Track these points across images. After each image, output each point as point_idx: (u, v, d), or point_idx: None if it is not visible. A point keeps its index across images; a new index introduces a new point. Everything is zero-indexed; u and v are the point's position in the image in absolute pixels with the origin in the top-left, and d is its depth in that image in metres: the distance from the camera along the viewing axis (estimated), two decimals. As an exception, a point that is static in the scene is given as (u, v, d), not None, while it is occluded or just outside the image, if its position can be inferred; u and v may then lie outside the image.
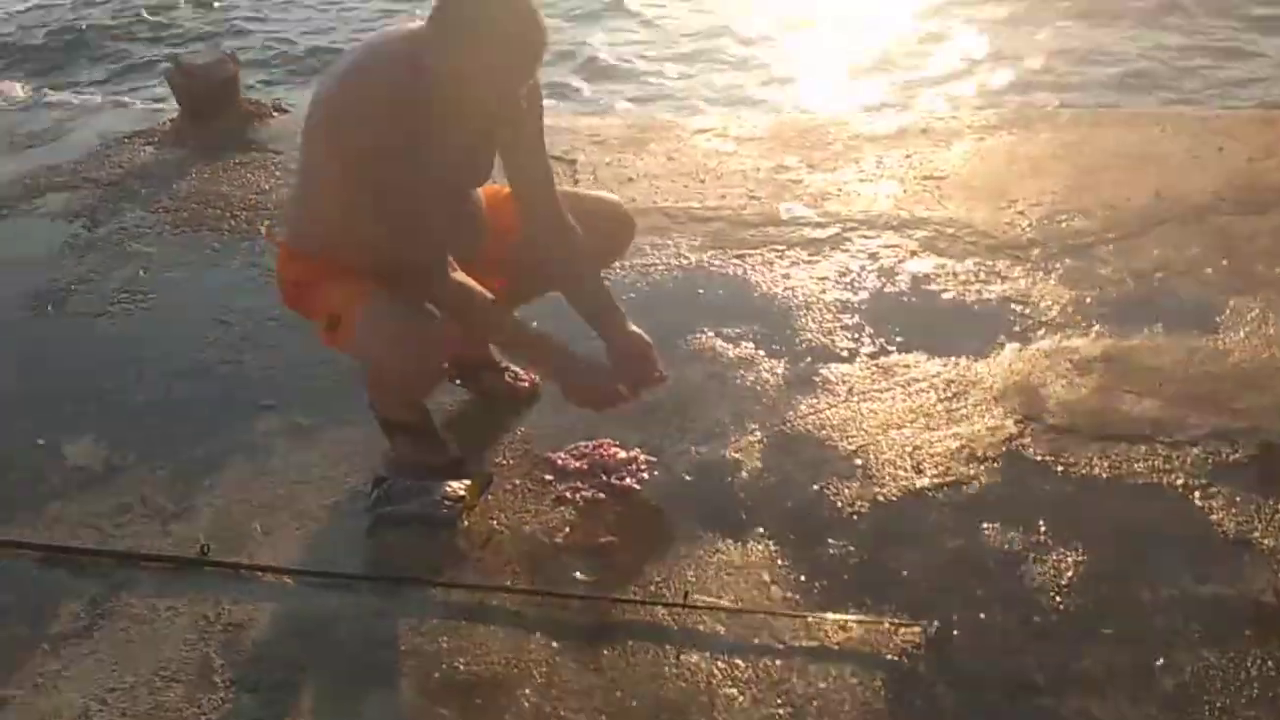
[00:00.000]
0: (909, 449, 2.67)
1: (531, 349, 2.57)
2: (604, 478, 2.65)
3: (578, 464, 2.70)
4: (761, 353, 3.08)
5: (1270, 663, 2.04)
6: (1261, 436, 2.61)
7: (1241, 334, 3.02)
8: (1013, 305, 3.23)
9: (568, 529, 2.52)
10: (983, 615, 2.19)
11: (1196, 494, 2.47)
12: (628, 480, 2.64)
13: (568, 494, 2.62)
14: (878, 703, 2.02)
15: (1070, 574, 2.27)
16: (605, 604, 2.28)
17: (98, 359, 3.34)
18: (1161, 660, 2.06)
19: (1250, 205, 3.65)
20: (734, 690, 2.06)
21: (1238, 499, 2.43)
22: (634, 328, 2.60)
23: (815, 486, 2.58)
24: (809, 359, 3.05)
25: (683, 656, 2.14)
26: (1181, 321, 3.09)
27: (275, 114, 5.14)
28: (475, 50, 2.20)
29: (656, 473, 2.66)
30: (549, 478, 2.67)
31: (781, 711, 2.01)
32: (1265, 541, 2.32)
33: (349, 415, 2.89)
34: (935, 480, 2.57)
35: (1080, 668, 2.06)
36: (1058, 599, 2.21)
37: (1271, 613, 2.16)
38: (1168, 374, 2.88)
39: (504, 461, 2.75)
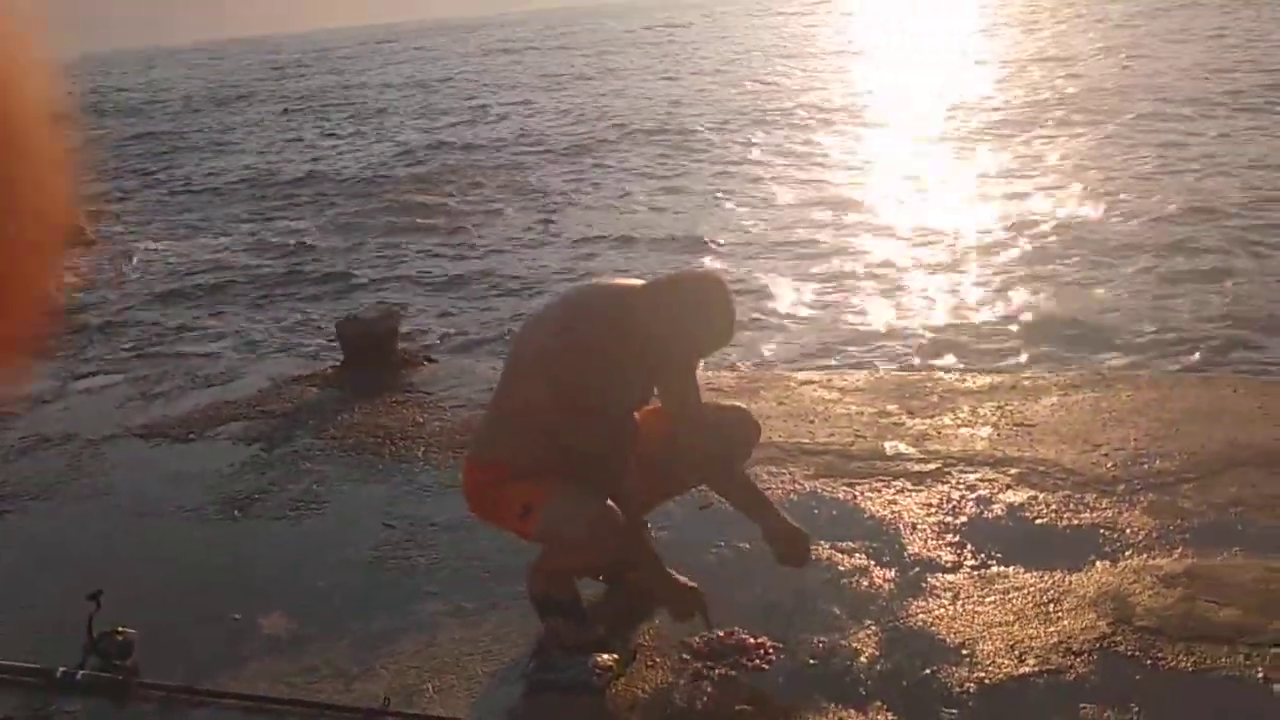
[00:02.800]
0: (1011, 642, 2.97)
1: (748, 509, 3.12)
2: (737, 659, 2.98)
3: (712, 647, 3.04)
4: (873, 563, 3.44)
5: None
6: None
7: (1317, 559, 3.31)
8: (1101, 531, 3.56)
9: (705, 699, 2.84)
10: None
11: (1276, 685, 2.72)
12: (758, 661, 2.97)
13: (704, 670, 2.95)
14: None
15: (1164, 747, 2.52)
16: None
17: (282, 552, 3.81)
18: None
19: (1321, 454, 3.99)
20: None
21: (1317, 692, 2.68)
22: (784, 513, 3.04)
23: (927, 671, 2.88)
24: (917, 569, 3.39)
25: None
26: (1260, 545, 3.39)
27: (425, 363, 5.79)
28: (698, 330, 2.90)
29: (782, 656, 2.98)
30: (686, 657, 3.01)
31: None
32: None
33: (506, 602, 3.29)
34: (1036, 668, 2.86)
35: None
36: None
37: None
38: (1248, 588, 3.16)
39: (645, 642, 3.10)
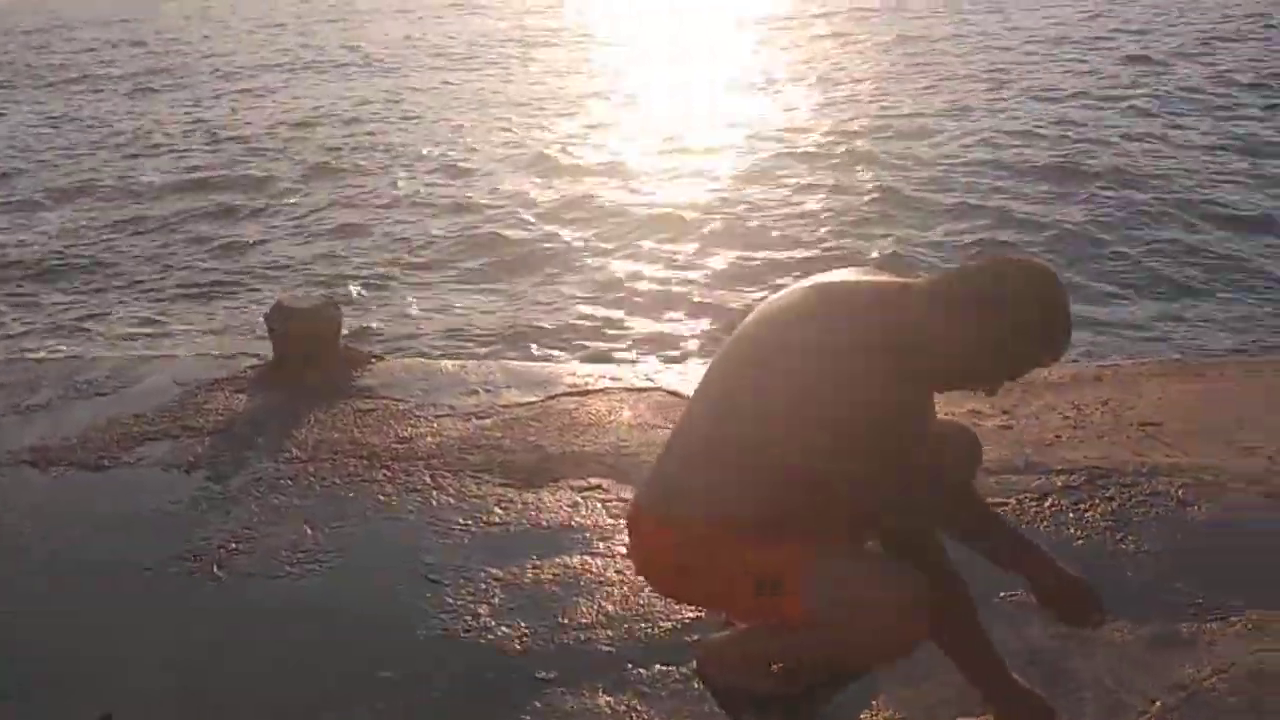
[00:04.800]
0: None
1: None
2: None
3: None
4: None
5: None
6: None
7: None
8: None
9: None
10: None
11: None
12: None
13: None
14: None
15: None
16: None
17: (310, 626, 2.84)
18: None
19: None
20: None
21: None
22: (1062, 564, 2.27)
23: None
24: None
25: None
26: None
27: (374, 362, 4.79)
28: (1027, 339, 2.02)
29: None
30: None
31: None
32: None
33: (645, 688, 2.46)
34: None
35: None
36: None
37: None
38: None
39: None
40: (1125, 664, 2.53)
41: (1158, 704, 2.40)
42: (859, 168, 9.95)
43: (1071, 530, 3.14)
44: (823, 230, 8.30)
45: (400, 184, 10.62)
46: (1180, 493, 3.28)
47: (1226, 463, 3.50)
